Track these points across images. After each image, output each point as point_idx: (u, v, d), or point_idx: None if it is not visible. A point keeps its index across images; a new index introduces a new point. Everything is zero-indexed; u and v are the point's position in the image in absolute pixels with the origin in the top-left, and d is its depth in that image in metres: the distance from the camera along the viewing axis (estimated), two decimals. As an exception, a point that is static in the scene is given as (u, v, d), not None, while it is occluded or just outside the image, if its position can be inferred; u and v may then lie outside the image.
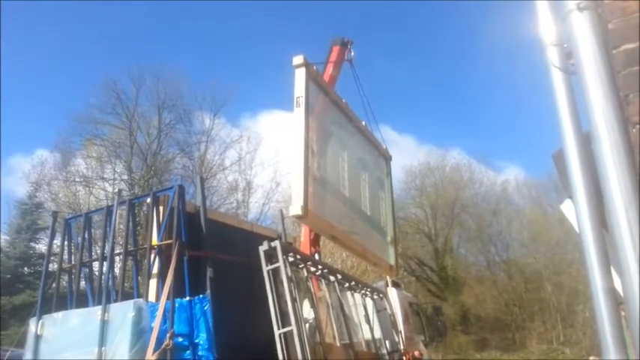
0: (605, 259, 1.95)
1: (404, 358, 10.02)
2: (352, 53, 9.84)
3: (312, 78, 5.69)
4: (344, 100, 6.52)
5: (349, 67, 9.81)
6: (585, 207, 1.99)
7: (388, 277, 12.58)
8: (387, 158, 7.94)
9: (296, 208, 4.97)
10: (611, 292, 1.95)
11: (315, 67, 5.94)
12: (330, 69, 9.66)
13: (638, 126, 1.58)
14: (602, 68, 1.71)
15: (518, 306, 33.18)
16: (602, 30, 1.76)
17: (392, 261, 7.34)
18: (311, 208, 5.07)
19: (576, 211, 2.05)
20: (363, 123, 7.08)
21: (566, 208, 3.43)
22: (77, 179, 29.66)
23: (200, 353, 5.76)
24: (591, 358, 24.71)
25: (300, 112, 5.28)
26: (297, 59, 5.49)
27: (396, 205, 8.75)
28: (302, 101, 5.29)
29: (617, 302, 1.98)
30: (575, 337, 29.75)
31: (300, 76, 5.43)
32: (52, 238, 8.29)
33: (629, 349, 2.01)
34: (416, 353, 11.62)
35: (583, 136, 2.03)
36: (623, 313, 2.02)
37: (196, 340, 5.80)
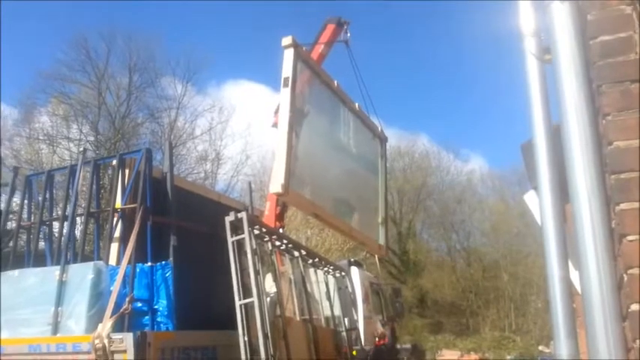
0: (564, 249, 2.01)
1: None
2: (348, 34, 9.62)
3: (302, 59, 5.65)
4: (335, 82, 6.48)
5: (341, 48, 9.67)
6: (549, 198, 2.04)
7: (377, 257, 12.76)
8: (382, 140, 7.88)
9: (276, 186, 4.93)
10: (567, 281, 2.01)
11: (304, 48, 5.90)
12: (320, 47, 9.60)
13: (608, 117, 1.62)
14: (577, 59, 1.75)
15: (475, 293, 34.02)
16: (580, 21, 1.80)
17: (381, 241, 7.40)
18: (292, 187, 5.06)
19: (540, 202, 2.10)
20: (357, 105, 7.03)
21: (530, 198, 3.51)
22: (41, 137, 28.68)
23: (159, 319, 5.74)
24: (540, 347, 25.63)
25: (286, 92, 5.27)
26: (286, 40, 5.43)
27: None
28: (289, 82, 5.27)
29: (571, 292, 2.06)
30: (526, 327, 30.78)
31: (288, 56, 5.39)
32: (12, 194, 8.08)
33: (578, 339, 2.09)
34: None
35: (553, 128, 2.07)
36: (574, 305, 2.10)
37: (156, 307, 5.78)
